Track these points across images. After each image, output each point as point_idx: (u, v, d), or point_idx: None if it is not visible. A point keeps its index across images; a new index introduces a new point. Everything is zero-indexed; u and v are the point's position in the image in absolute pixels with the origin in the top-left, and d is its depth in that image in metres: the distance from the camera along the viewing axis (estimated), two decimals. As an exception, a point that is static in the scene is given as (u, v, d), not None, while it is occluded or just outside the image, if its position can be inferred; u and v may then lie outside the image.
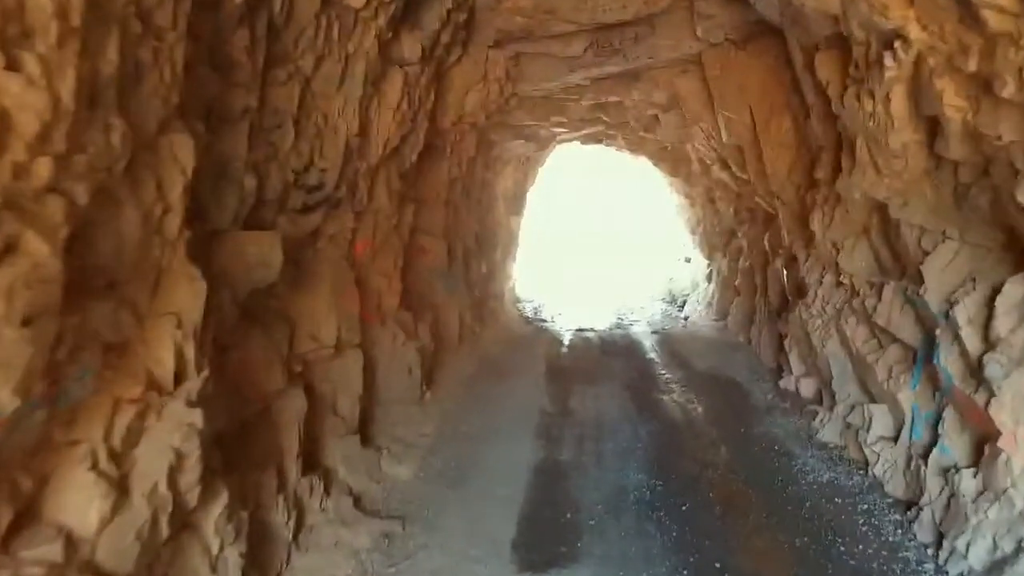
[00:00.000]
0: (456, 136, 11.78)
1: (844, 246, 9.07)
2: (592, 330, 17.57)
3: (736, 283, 15.72)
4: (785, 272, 12.04)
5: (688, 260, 21.11)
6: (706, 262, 18.89)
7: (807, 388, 10.69)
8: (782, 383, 11.40)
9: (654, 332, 17.05)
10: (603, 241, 30.70)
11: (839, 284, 9.39)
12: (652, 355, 14.47)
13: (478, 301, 16.28)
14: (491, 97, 11.39)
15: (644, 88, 13.67)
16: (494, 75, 10.93)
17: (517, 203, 21.08)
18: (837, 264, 9.18)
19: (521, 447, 9.15)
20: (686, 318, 18.63)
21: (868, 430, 8.23)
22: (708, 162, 15.60)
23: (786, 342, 11.53)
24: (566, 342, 15.85)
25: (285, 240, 6.51)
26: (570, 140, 18.54)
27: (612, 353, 14.76)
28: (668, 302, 21.38)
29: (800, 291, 11.38)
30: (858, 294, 8.77)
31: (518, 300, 21.42)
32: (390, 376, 9.62)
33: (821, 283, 9.88)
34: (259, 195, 6.05)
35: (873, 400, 8.49)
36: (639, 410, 10.77)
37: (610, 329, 17.82)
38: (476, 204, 15.33)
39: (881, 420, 8.15)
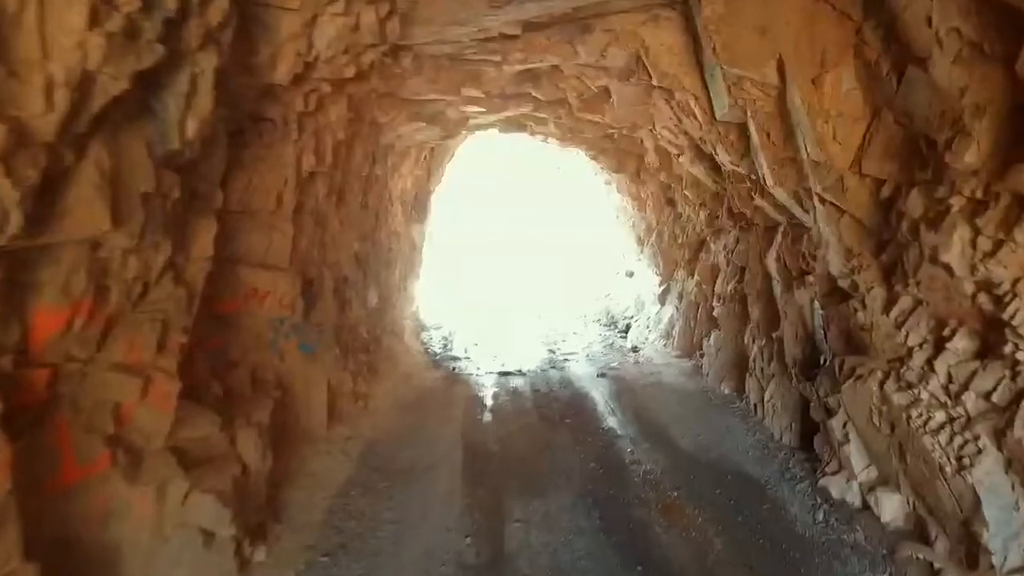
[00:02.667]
0: (308, 103, 6.85)
1: (1020, 292, 4.72)
2: (520, 372, 12.90)
3: (713, 312, 11.37)
4: (823, 312, 7.71)
5: (631, 275, 16.74)
6: (658, 279, 14.53)
7: (891, 509, 6.34)
8: (832, 487, 7.07)
9: (601, 375, 12.52)
10: (524, 249, 25.98)
11: (996, 358, 5.03)
12: (611, 421, 9.89)
13: (365, 345, 11.37)
14: (363, 36, 6.51)
15: (595, 43, 9.06)
16: (365, -7, 6.07)
17: (420, 207, 16.20)
18: (1008, 323, 4.82)
19: None
20: (635, 349, 14.20)
21: None
22: (673, 151, 11.19)
23: (832, 422, 7.19)
24: (488, 399, 11.09)
25: None
26: (486, 126, 13.79)
27: (553, 419, 10.07)
28: (607, 325, 16.95)
29: (854, 343, 7.08)
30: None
31: (423, 328, 16.57)
32: (157, 567, 4.66)
33: (942, 349, 5.51)
34: None
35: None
36: (623, 558, 6.19)
37: (543, 369, 13.20)
38: (358, 211, 10.38)
39: None
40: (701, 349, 12.01)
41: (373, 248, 11.94)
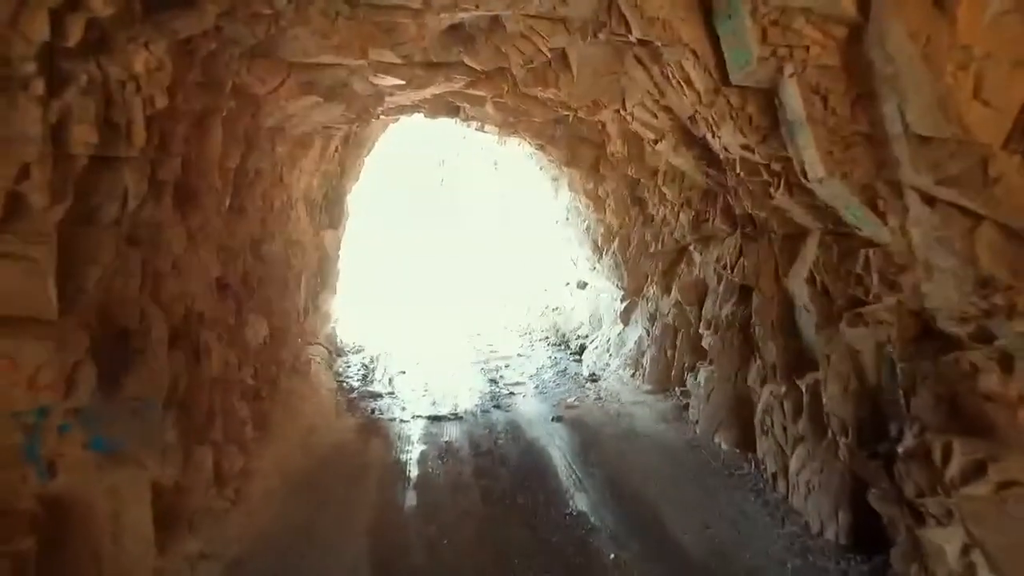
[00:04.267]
0: (62, 31, 3.72)
1: None
2: (455, 416, 9.96)
3: (702, 341, 8.65)
4: (903, 365, 5.02)
5: (583, 286, 13.97)
6: (620, 293, 11.77)
7: None
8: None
9: (557, 418, 9.67)
10: (459, 254, 22.77)
11: None
12: (579, 500, 7.02)
13: (254, 392, 8.29)
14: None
15: (554, -22, 6.23)
16: None
17: (332, 209, 13.03)
18: None
19: None
20: (594, 378, 11.42)
21: None
22: (649, 136, 8.43)
23: (934, 537, 4.52)
24: (413, 465, 8.04)
25: None
26: (409, 109, 10.71)
27: (501, 497, 7.11)
28: (556, 345, 14.12)
29: (966, 419, 4.43)
30: None
31: (340, 354, 13.43)
32: None
33: None
34: None
35: None
36: None
37: (484, 410, 10.27)
38: (225, 217, 7.22)
39: None
40: (683, 385, 9.30)
41: (260, 265, 8.78)
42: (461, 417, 9.93)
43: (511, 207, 18.08)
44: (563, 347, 13.82)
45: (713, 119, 6.60)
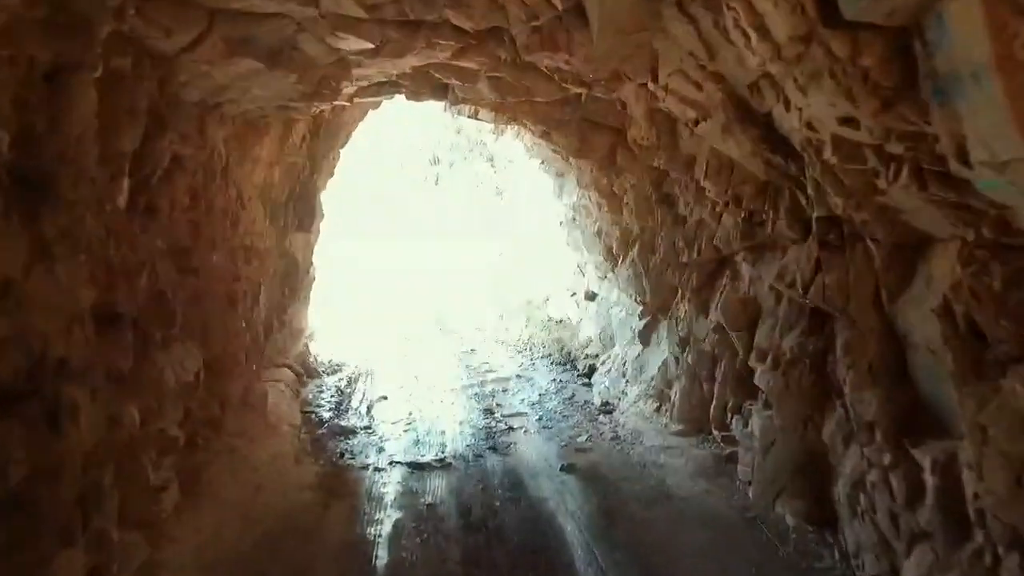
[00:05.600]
0: None
1: None
2: (441, 463, 7.91)
3: (757, 378, 6.57)
4: None
5: (592, 297, 11.94)
6: (639, 308, 9.73)
7: None
8: None
9: (567, 467, 7.63)
10: (453, 259, 20.70)
11: None
12: (606, 606, 5.05)
13: (184, 443, 6.28)
14: None
15: None
16: None
17: (302, 209, 11.00)
18: None
19: None
20: (607, 409, 9.39)
21: None
22: (689, 115, 6.40)
23: None
24: (382, 548, 5.96)
25: None
26: (387, 88, 8.63)
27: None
28: (560, 364, 12.09)
29: None
30: None
31: (312, 375, 11.37)
32: None
33: None
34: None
35: None
36: None
37: (477, 454, 8.22)
38: (130, 220, 5.17)
39: None
40: (726, 429, 7.27)
41: (190, 281, 6.72)
42: (449, 464, 7.89)
43: (509, 207, 16.04)
44: (569, 367, 11.78)
45: (796, 82, 4.54)
